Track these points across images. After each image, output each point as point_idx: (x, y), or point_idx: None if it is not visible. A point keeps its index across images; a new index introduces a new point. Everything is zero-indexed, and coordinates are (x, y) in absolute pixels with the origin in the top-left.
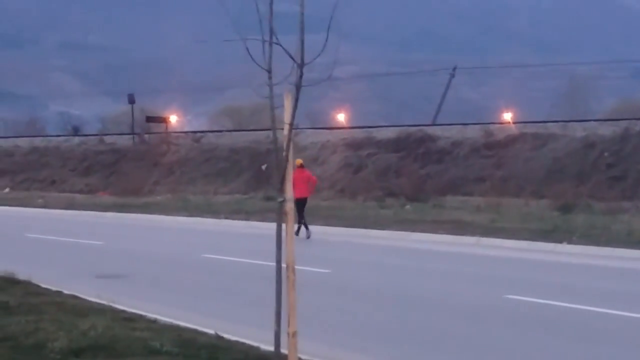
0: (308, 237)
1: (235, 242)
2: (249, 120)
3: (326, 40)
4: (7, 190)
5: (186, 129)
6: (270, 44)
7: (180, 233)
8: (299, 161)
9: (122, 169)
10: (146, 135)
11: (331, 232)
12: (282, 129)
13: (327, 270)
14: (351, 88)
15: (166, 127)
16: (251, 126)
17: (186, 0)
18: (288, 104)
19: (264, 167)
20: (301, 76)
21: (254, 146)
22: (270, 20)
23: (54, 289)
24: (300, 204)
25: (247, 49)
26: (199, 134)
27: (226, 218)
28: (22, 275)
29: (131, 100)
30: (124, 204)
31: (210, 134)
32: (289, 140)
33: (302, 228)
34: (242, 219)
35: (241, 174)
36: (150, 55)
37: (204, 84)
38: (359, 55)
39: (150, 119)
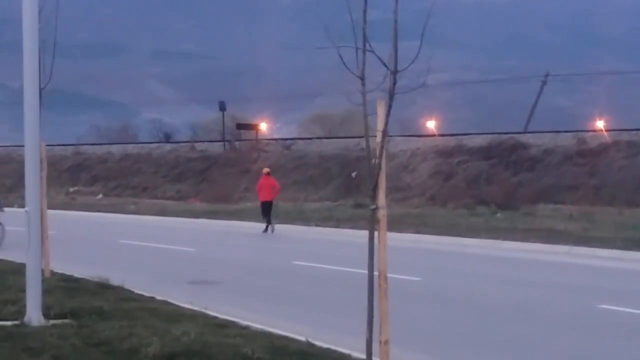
0: (272, 231)
1: (326, 249)
2: (339, 127)
3: (419, 48)
4: (100, 196)
5: (276, 136)
6: (364, 52)
7: (270, 240)
8: (266, 169)
9: (213, 176)
10: (237, 143)
11: (421, 239)
12: (375, 136)
13: (417, 278)
14: (441, 95)
15: (256, 134)
16: (341, 133)
17: (278, 8)
18: (381, 111)
19: (354, 174)
20: (394, 83)
21: (344, 153)
22: (363, 27)
23: (147, 294)
24: (266, 206)
25: (341, 56)
26: (289, 141)
27: (316, 225)
28: (115, 281)
29: (222, 108)
30: (215, 210)
31: (300, 141)
32: (382, 147)
33: (270, 227)
34: (332, 226)
35: (331, 181)
36: (241, 63)
37: (294, 91)
38: (449, 63)
39: (240, 126)
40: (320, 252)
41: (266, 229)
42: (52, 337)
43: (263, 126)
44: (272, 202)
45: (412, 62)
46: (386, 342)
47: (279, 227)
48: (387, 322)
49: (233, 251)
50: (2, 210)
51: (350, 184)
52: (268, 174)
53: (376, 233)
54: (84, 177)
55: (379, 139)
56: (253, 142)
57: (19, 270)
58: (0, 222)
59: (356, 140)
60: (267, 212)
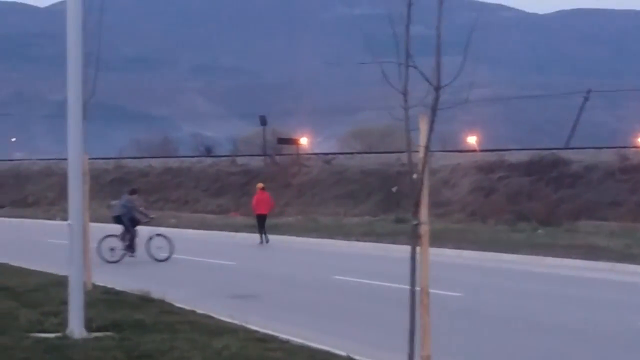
0: (267, 241)
1: (366, 264)
2: (380, 142)
3: (463, 64)
4: (141, 209)
5: (316, 151)
6: (406, 67)
7: (310, 254)
8: (260, 185)
9: (254, 190)
10: (277, 157)
11: (462, 255)
12: (416, 151)
13: (458, 294)
14: (482, 111)
15: (297, 149)
16: (381, 148)
17: (319, 22)
18: (423, 126)
19: (394, 189)
20: (437, 99)
21: (384, 168)
22: (406, 43)
23: (187, 308)
24: (262, 219)
25: (383, 71)
26: (329, 156)
27: (357, 240)
28: (156, 294)
29: (263, 122)
30: (255, 224)
31: (340, 155)
32: (425, 162)
33: (264, 237)
34: (372, 241)
35: (371, 196)
36: (281, 78)
37: (334, 106)
38: (490, 78)
39: (281, 141)
40: (361, 266)
41: (261, 241)
42: (94, 350)
43: (304, 141)
44: (266, 215)
45: (455, 78)
46: (428, 358)
47: (320, 242)
48: (429, 338)
49: (273, 265)
50: None
51: (391, 198)
52: (263, 189)
53: (418, 248)
54: (125, 191)
55: (421, 154)
56: (294, 157)
57: (60, 282)
58: None
59: (396, 155)
60: (262, 225)
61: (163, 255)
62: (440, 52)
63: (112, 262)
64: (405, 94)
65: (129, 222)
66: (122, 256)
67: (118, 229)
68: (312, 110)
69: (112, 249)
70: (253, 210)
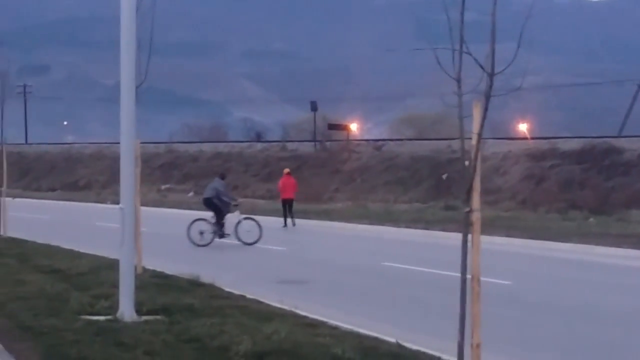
0: (294, 224)
1: (415, 250)
2: (430, 129)
3: (517, 50)
4: (191, 194)
5: (366, 137)
6: (460, 54)
7: (360, 240)
8: (287, 170)
9: (303, 176)
10: (327, 143)
11: (512, 243)
12: (469, 138)
13: (507, 282)
14: (534, 98)
15: (347, 135)
16: (432, 135)
17: (370, 8)
18: (477, 113)
19: (444, 176)
20: (491, 86)
21: (434, 155)
22: (461, 29)
23: (237, 292)
24: (287, 203)
25: (437, 58)
26: (380, 142)
27: (406, 227)
28: (206, 278)
29: (314, 108)
30: (305, 210)
31: (390, 142)
32: (477, 150)
33: (289, 221)
34: (421, 228)
35: (421, 182)
36: (332, 63)
37: (385, 92)
38: (542, 65)
39: (332, 127)
40: (410, 253)
41: (286, 224)
42: (145, 333)
43: (353, 127)
44: (293, 200)
45: (509, 65)
46: (478, 346)
47: (369, 228)
48: (479, 326)
49: (322, 251)
50: None
51: (441, 185)
52: (289, 173)
53: (469, 236)
54: (176, 175)
55: (474, 141)
56: (344, 143)
57: (111, 265)
58: None
59: (447, 142)
60: (289, 209)
61: (252, 239)
62: (494, 38)
63: (201, 246)
64: (459, 80)
65: (221, 205)
66: (212, 239)
67: (202, 214)
68: (362, 95)
69: (201, 233)
70: (279, 194)
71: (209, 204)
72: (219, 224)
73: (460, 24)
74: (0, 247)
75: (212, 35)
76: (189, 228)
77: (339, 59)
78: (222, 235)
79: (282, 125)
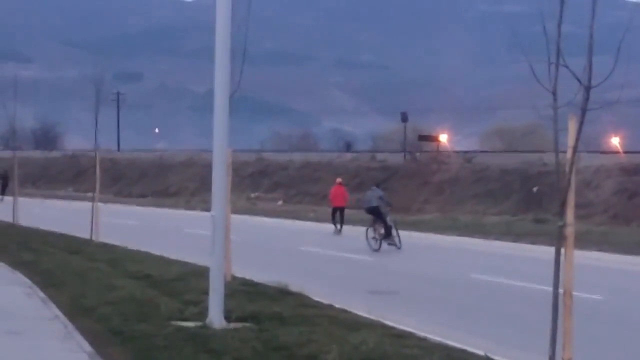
0: (340, 232)
1: (505, 263)
2: (520, 141)
3: (615, 63)
4: (280, 202)
5: (456, 149)
6: (557, 66)
7: (448, 252)
8: (339, 180)
9: (393, 186)
10: (417, 154)
11: (604, 258)
12: (564, 152)
13: (598, 297)
14: (628, 111)
15: (437, 146)
16: (522, 147)
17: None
18: (572, 126)
19: (535, 189)
20: (587, 99)
21: (525, 168)
22: (558, 41)
23: (325, 302)
24: (338, 211)
25: (533, 70)
26: (470, 154)
27: (496, 239)
28: (294, 287)
29: (404, 119)
30: (393, 221)
31: (481, 154)
32: (572, 163)
33: (338, 227)
34: (511, 241)
35: (511, 195)
36: (422, 75)
37: (475, 104)
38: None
39: (422, 138)
40: (499, 266)
41: (336, 231)
42: (234, 340)
43: (443, 138)
44: (344, 208)
45: (606, 79)
46: None
47: (458, 240)
48: (571, 340)
49: (411, 262)
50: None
51: (531, 198)
52: (340, 183)
53: (562, 250)
54: (265, 183)
55: (569, 155)
56: (433, 154)
57: (200, 272)
58: None
59: (538, 154)
60: (340, 216)
61: (399, 243)
62: (592, 51)
63: (375, 251)
64: (555, 93)
65: (384, 211)
66: (380, 244)
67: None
68: (452, 107)
69: (374, 238)
70: (330, 202)
71: (376, 212)
72: (386, 229)
73: (558, 36)
74: (92, 252)
75: (303, 45)
76: (366, 234)
77: (429, 70)
78: (392, 240)
79: (372, 136)
